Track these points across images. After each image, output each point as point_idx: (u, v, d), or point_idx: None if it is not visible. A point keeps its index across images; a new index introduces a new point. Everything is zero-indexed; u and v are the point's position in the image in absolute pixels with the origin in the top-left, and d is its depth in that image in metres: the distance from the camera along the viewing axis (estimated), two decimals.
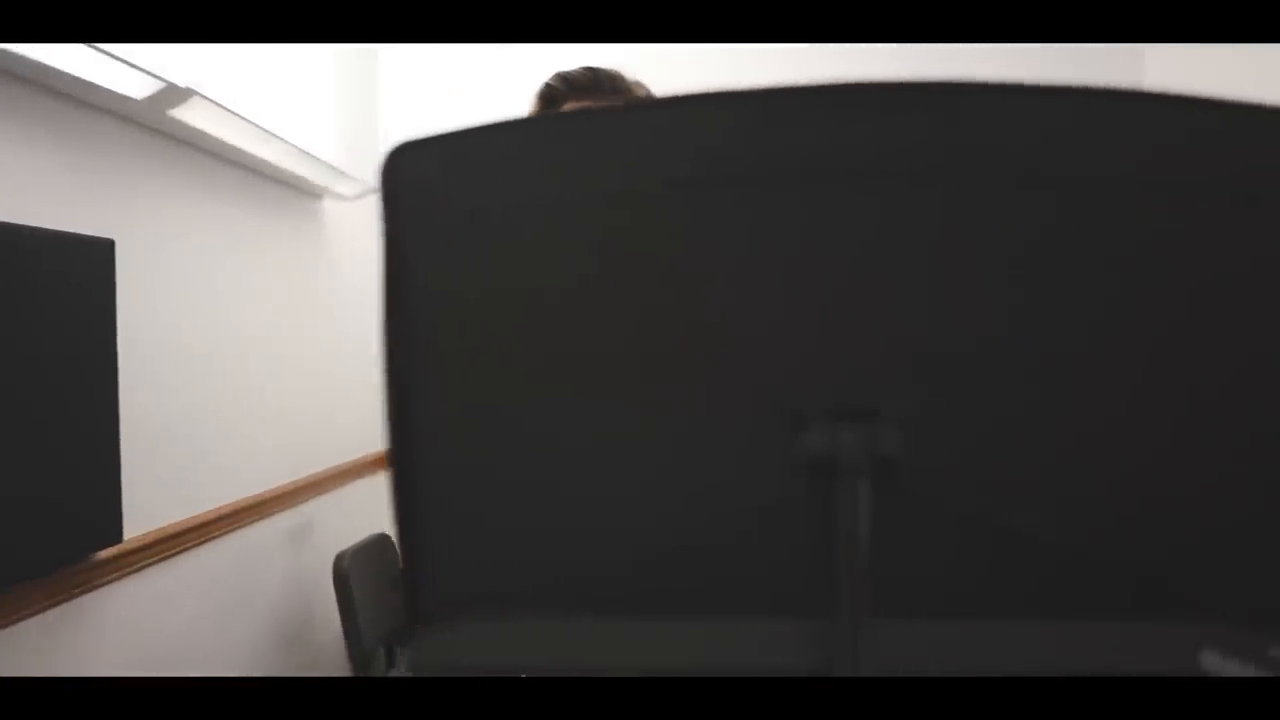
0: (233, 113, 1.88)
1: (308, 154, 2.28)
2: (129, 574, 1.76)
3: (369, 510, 2.68)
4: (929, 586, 0.54)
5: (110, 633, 1.70)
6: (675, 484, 0.54)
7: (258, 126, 1.99)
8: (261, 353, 2.28)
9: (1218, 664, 0.52)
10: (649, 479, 0.54)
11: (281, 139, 2.12)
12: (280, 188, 2.43)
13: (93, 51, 1.47)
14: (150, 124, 1.80)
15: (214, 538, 2.05)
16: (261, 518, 2.27)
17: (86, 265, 1.60)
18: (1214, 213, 0.49)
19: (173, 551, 1.89)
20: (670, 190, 0.49)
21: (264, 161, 2.20)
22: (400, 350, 0.53)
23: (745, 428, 0.52)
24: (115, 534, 1.66)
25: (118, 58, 1.52)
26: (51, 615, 1.54)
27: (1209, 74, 2.49)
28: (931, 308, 0.50)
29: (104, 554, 1.66)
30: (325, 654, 2.54)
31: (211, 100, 1.80)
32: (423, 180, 0.51)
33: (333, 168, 2.45)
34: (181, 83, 1.71)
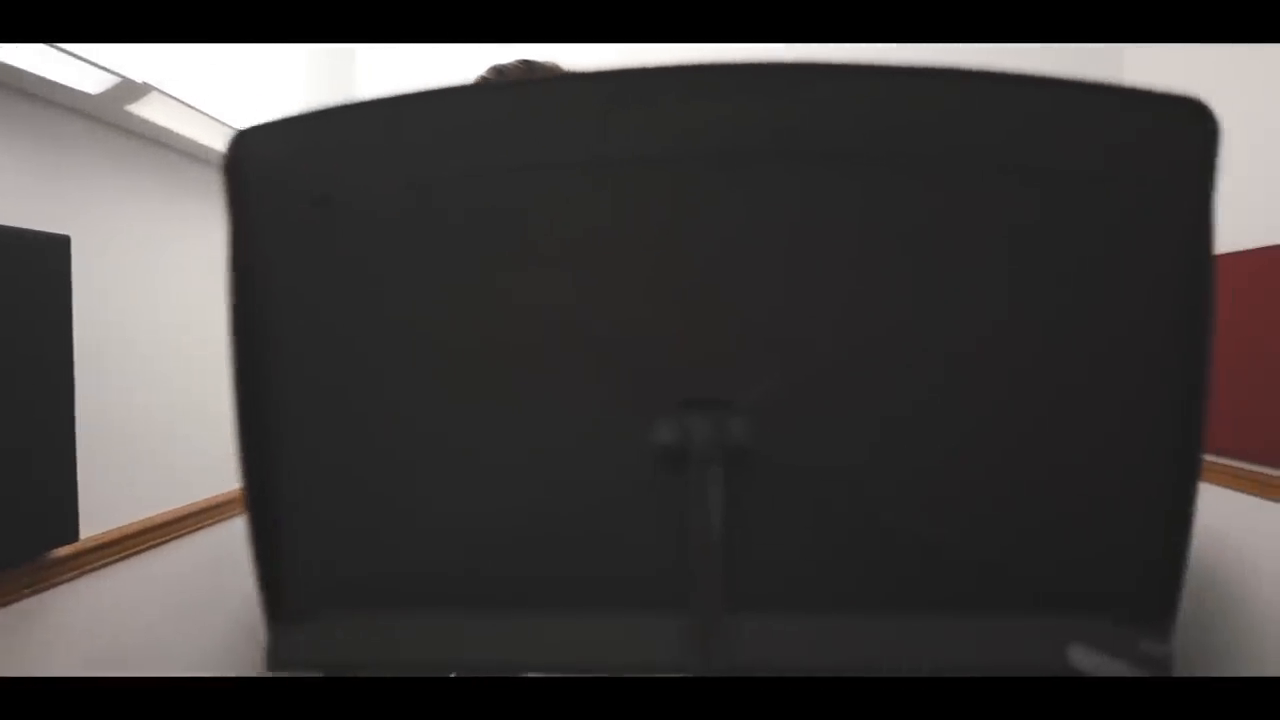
0: (194, 108, 1.87)
1: None
2: (87, 573, 1.75)
3: None
4: (788, 580, 0.52)
5: (68, 632, 1.69)
6: (532, 476, 0.52)
7: (221, 123, 1.98)
8: (225, 351, 2.27)
9: (1086, 658, 0.50)
10: (506, 471, 0.52)
11: None
12: None
13: (43, 45, 1.47)
14: (108, 119, 1.79)
15: (178, 536, 2.04)
16: (228, 517, 2.26)
17: (42, 262, 1.60)
18: (1076, 201, 0.47)
19: (134, 550, 1.88)
20: (516, 175, 0.48)
21: None
22: (250, 341, 0.51)
23: (601, 419, 0.51)
24: (71, 532, 1.65)
25: (69, 52, 1.51)
26: (2, 616, 1.53)
27: (1187, 73, 2.47)
28: (785, 298, 0.49)
29: (60, 552, 1.65)
30: None
31: (171, 96, 1.79)
32: (271, 165, 0.50)
33: None
34: (138, 78, 1.70)
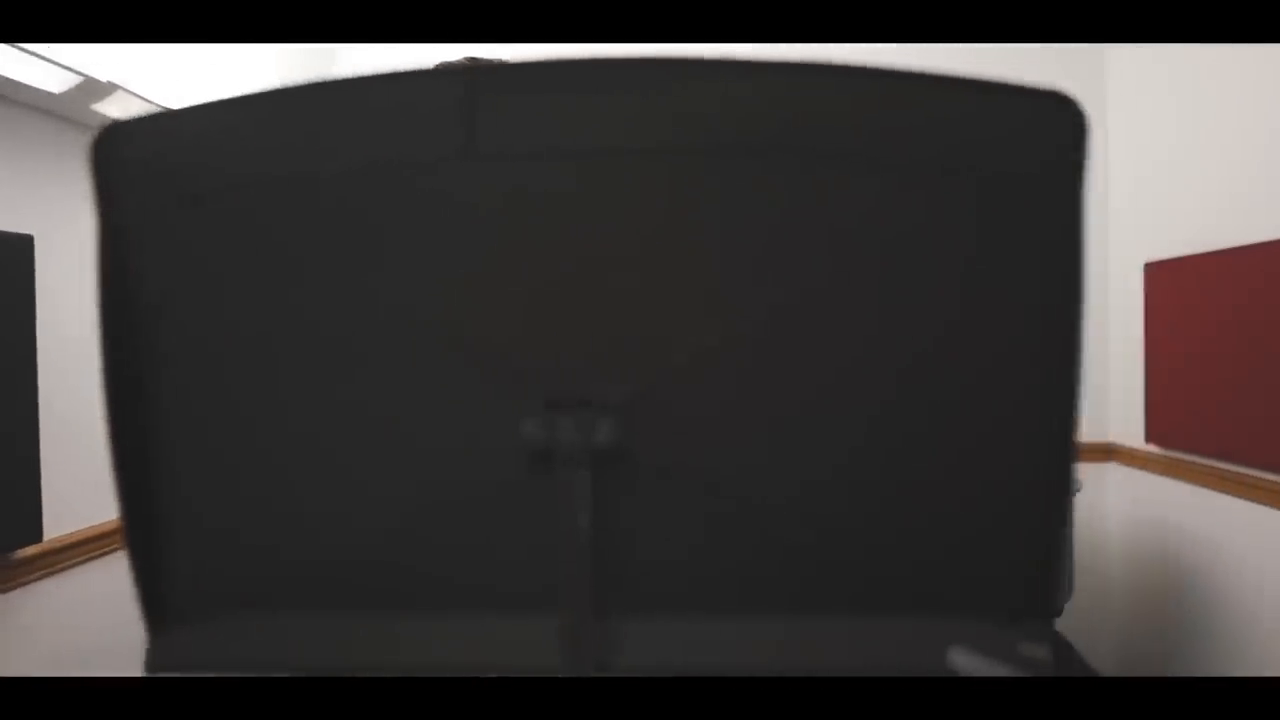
0: (161, 107, 1.86)
1: None
2: (52, 574, 1.74)
3: None
4: (662, 582, 0.51)
5: (31, 632, 1.68)
6: (406, 479, 0.51)
7: None
8: None
9: (965, 660, 0.50)
10: (379, 473, 0.51)
11: None
12: None
13: (5, 44, 1.46)
14: (73, 118, 1.79)
15: None
16: None
17: (5, 261, 1.59)
18: (947, 196, 0.46)
19: (99, 552, 1.87)
20: (381, 172, 0.47)
21: None
22: (119, 342, 0.51)
23: (471, 420, 0.50)
24: (34, 533, 1.65)
25: (32, 51, 1.51)
26: None
27: (1168, 73, 2.46)
28: (652, 297, 0.48)
29: (23, 553, 1.65)
30: None
31: (136, 95, 1.78)
32: (139, 161, 0.49)
33: None
34: (103, 77, 1.70)
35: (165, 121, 0.49)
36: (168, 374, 0.52)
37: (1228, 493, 2.17)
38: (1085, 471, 2.71)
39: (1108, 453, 2.78)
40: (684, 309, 0.48)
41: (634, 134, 0.46)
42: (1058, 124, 0.45)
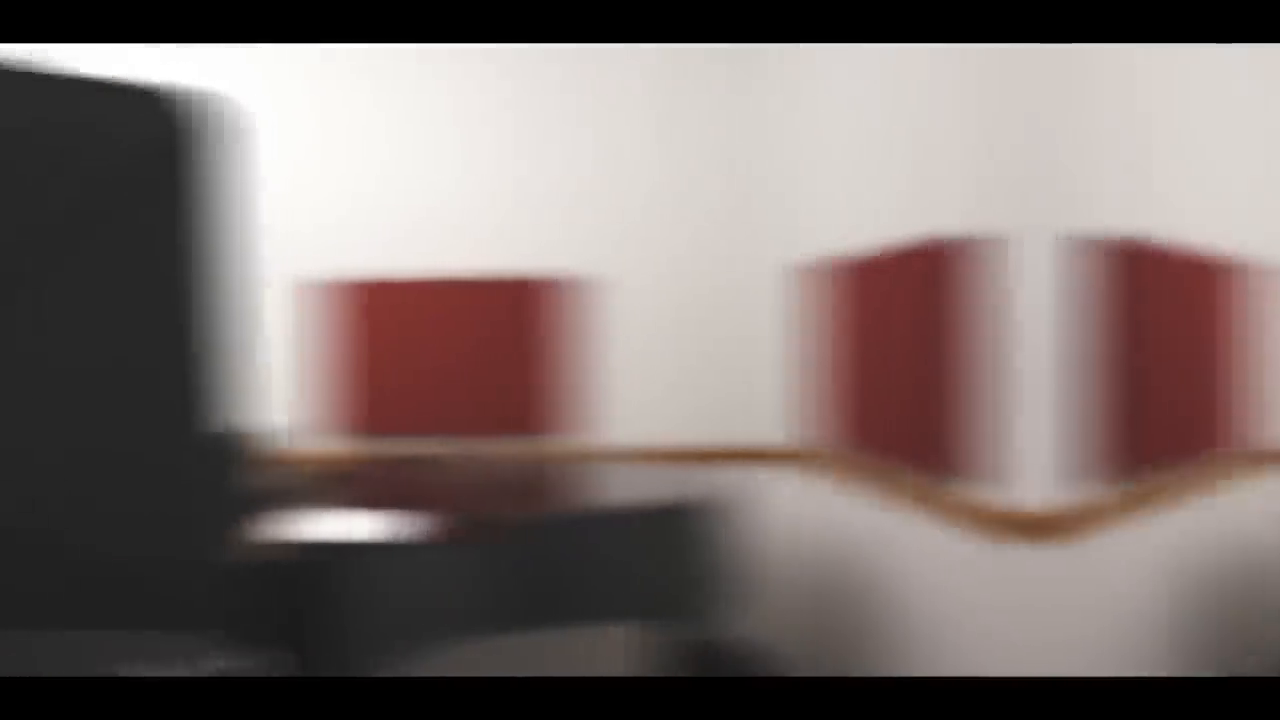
0: None
1: None
2: None
3: None
4: None
5: None
6: None
7: None
8: None
9: (136, 670, 0.48)
10: None
11: None
12: None
13: None
14: None
15: None
16: None
17: None
18: (53, 194, 0.42)
19: None
20: None
21: None
22: None
23: None
24: None
25: None
26: None
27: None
28: None
29: None
30: None
31: None
32: None
33: None
34: None
35: None
36: None
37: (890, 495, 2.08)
38: (761, 476, 2.52)
39: (773, 456, 2.66)
40: None
41: None
42: (154, 119, 0.41)
